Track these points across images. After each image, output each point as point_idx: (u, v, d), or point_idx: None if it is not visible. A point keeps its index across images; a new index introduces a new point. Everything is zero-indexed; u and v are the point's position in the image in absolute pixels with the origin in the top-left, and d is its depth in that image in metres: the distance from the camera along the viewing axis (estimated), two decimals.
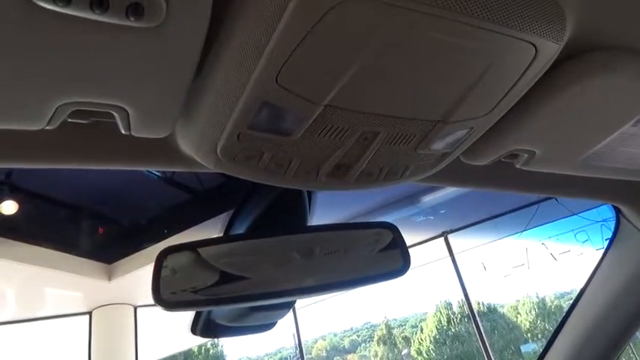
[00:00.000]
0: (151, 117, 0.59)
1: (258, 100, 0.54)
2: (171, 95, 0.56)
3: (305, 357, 8.53)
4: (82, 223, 4.65)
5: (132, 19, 0.43)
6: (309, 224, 1.16)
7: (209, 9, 0.46)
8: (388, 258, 1.05)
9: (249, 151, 0.63)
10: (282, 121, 0.59)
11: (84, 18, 0.43)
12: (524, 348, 10.57)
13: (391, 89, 0.57)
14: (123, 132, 0.61)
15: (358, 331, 13.47)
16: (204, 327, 1.28)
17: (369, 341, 12.94)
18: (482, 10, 0.48)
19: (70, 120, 0.57)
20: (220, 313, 1.23)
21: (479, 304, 10.21)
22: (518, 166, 0.87)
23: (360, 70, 0.52)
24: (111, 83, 0.53)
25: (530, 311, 10.67)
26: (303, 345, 8.21)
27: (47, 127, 0.57)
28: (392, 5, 0.45)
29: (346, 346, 13.41)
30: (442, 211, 5.75)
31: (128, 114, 0.57)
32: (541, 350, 1.56)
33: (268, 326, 1.35)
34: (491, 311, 10.87)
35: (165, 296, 0.90)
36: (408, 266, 1.01)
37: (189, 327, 1.29)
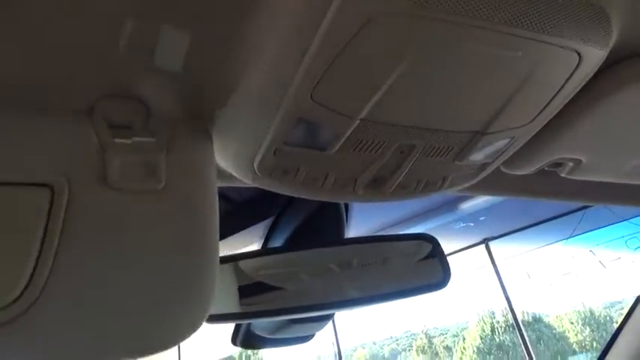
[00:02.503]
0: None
1: (293, 117, 0.55)
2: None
3: None
4: None
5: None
6: (346, 236, 1.16)
7: None
8: (427, 270, 1.03)
9: (286, 166, 0.64)
10: (318, 136, 0.59)
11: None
12: None
13: (427, 101, 0.56)
14: None
15: (398, 340, 13.28)
16: (245, 338, 1.29)
17: (409, 350, 12.73)
18: (522, 19, 0.46)
19: None
20: (260, 324, 1.24)
21: (523, 313, 9.89)
22: (563, 175, 0.84)
23: (395, 83, 0.51)
24: None
25: (578, 321, 10.24)
26: (342, 353, 8.16)
27: None
28: (427, 17, 0.44)
29: (386, 355, 13.23)
30: (482, 218, 5.61)
31: None
32: None
33: (307, 338, 1.35)
34: (536, 321, 10.49)
35: None
36: (449, 279, 0.99)
37: (230, 338, 1.31)
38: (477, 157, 0.68)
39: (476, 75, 0.53)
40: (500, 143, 0.67)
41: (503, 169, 0.83)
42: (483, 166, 0.73)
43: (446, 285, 0.99)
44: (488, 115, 0.59)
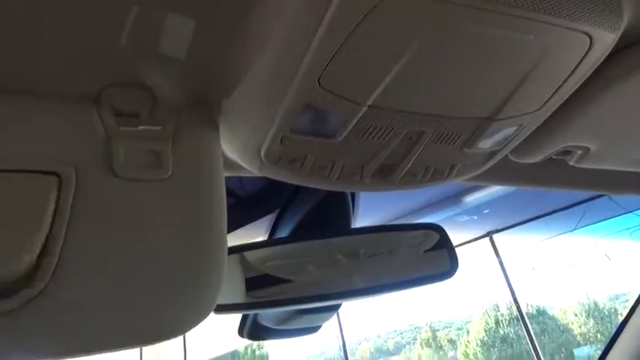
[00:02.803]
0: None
1: (300, 104, 0.54)
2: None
3: (349, 359, 8.51)
4: None
5: None
6: (352, 226, 1.15)
7: None
8: (435, 260, 1.03)
9: (293, 154, 0.63)
10: (325, 124, 0.58)
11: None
12: (577, 352, 10.12)
13: (436, 87, 0.55)
14: None
15: (402, 333, 13.30)
16: (251, 329, 1.29)
17: (413, 343, 12.76)
18: (532, 0, 0.46)
19: None
20: (267, 315, 1.24)
21: (527, 305, 9.88)
22: (571, 163, 0.84)
23: (403, 68, 0.51)
24: None
25: (582, 313, 10.23)
26: (347, 347, 8.20)
27: None
28: (436, 0, 0.44)
29: (390, 349, 13.27)
30: (486, 211, 5.60)
31: None
32: (595, 355, 1.49)
33: (314, 329, 1.35)
34: (540, 313, 10.48)
35: None
36: (456, 268, 0.99)
37: (237, 329, 1.31)
38: (486, 144, 0.68)
39: (486, 59, 0.52)
40: (509, 130, 0.66)
41: (511, 157, 0.82)
42: (491, 154, 0.73)
43: (454, 274, 0.99)
44: (497, 100, 0.59)
